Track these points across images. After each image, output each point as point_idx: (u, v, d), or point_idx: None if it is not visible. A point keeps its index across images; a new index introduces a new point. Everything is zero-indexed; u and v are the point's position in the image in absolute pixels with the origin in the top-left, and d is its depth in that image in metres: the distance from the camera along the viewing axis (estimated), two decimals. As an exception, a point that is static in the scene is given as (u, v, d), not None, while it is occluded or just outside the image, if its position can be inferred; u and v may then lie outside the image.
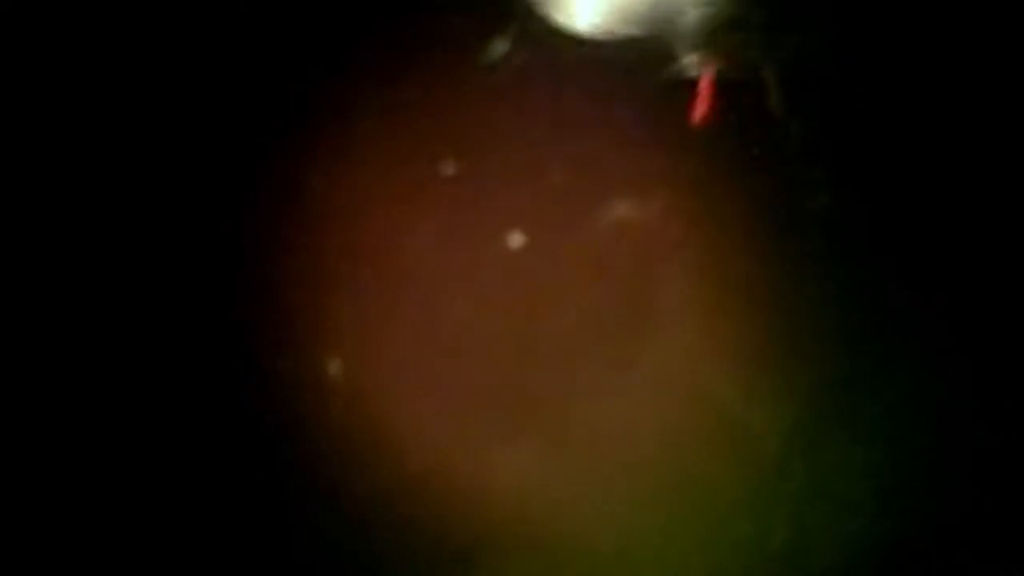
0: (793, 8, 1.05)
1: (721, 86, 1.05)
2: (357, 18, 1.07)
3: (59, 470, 1.05)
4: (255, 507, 1.05)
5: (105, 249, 1.06)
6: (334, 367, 1.05)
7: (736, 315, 1.04)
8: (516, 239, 1.06)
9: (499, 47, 1.06)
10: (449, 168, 1.06)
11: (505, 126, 1.06)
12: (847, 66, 1.05)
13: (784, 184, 1.05)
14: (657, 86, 1.05)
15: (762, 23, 1.05)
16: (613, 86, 1.06)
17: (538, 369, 1.05)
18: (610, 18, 1.06)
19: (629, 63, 1.06)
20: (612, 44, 1.06)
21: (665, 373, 1.04)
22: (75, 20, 1.07)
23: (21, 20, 1.06)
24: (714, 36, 1.05)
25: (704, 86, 1.05)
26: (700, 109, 1.05)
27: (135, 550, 1.04)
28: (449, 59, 1.06)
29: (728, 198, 1.04)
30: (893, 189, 1.04)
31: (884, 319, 1.05)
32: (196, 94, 1.07)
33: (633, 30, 1.06)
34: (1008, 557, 1.03)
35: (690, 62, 1.05)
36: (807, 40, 1.05)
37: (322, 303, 1.06)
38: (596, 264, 1.06)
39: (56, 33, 1.07)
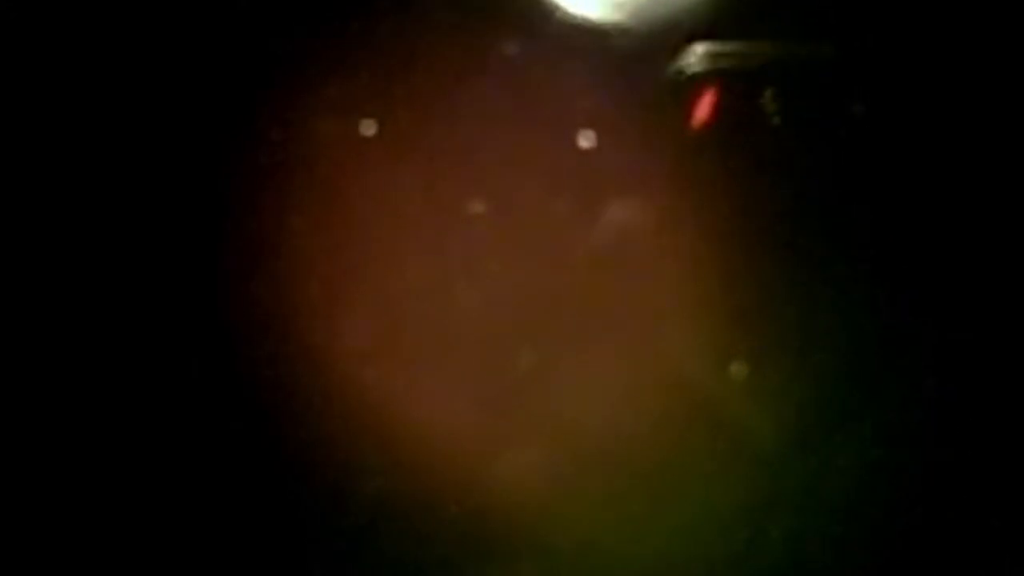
0: (794, 8, 1.04)
1: (722, 84, 1.04)
2: (356, 15, 1.07)
3: (62, 471, 1.05)
4: (257, 509, 1.05)
5: (103, 252, 1.06)
6: (336, 370, 1.05)
7: (735, 315, 1.04)
8: (513, 237, 1.06)
9: (499, 43, 1.06)
10: (448, 165, 1.06)
11: (504, 122, 1.06)
12: (848, 66, 1.04)
13: (784, 183, 1.05)
14: (658, 84, 1.05)
15: (763, 22, 1.04)
16: (613, 83, 1.05)
17: (536, 371, 1.05)
18: (612, 15, 1.06)
19: (630, 61, 1.05)
20: (613, 42, 1.06)
21: (664, 374, 1.04)
22: (72, 19, 1.07)
23: (16, 19, 1.06)
24: (715, 35, 1.04)
25: (705, 84, 1.04)
26: (701, 107, 1.04)
27: (144, 554, 1.05)
28: (448, 53, 1.06)
29: (728, 197, 1.04)
30: (893, 190, 1.04)
31: (884, 320, 1.04)
32: (195, 95, 1.06)
33: (635, 28, 1.06)
34: (1007, 558, 1.03)
35: (691, 60, 1.04)
36: (808, 40, 1.04)
37: (322, 304, 1.06)
38: (595, 263, 1.05)
39: (54, 32, 1.07)
